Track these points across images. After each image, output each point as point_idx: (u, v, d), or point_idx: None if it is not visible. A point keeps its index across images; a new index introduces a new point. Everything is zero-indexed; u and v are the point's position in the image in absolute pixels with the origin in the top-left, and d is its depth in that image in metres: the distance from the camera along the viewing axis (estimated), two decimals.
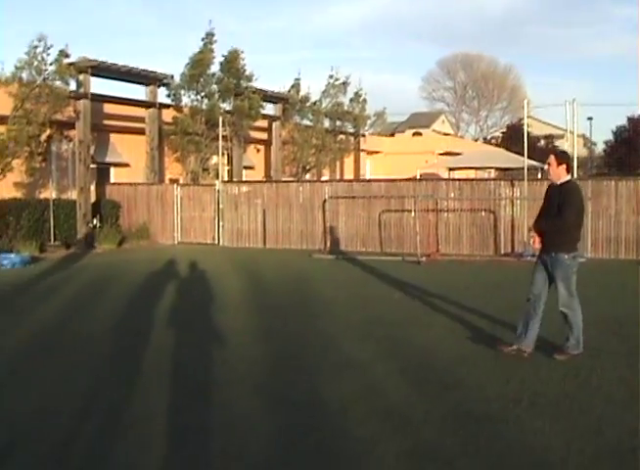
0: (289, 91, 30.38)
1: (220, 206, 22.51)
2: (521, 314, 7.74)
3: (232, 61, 25.82)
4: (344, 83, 33.20)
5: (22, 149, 18.57)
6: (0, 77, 18.94)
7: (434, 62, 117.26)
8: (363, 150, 38.14)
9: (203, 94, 25.44)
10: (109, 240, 21.60)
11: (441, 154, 41.08)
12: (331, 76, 32.68)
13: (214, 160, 25.52)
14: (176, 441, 5.32)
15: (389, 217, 20.20)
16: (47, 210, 20.08)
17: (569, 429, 5.42)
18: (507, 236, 18.91)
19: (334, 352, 8.02)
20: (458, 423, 5.60)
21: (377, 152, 41.06)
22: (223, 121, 24.46)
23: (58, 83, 19.61)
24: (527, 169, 20.09)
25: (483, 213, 19.09)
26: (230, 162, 27.27)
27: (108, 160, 24.53)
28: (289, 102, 29.82)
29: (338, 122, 33.90)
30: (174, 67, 60.73)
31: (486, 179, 24.54)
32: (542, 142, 53.15)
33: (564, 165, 7.51)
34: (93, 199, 22.43)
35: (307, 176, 31.41)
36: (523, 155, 21.13)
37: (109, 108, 23.19)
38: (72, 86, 20.65)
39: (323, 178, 31.34)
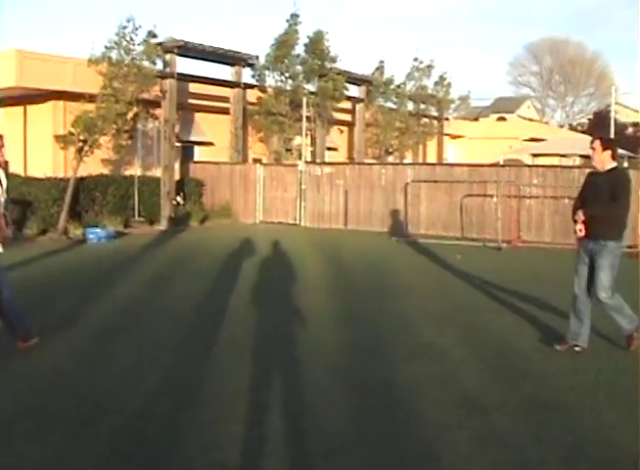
0: (373, 73, 29.86)
1: (302, 186, 22.16)
2: (572, 311, 7.27)
3: (316, 42, 25.32)
4: (429, 66, 32.53)
5: (109, 126, 18.54)
6: (90, 57, 19.00)
7: (521, 46, 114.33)
8: (446, 134, 37.24)
9: (287, 75, 25.00)
10: (192, 217, 21.55)
11: (525, 140, 39.97)
12: (415, 59, 32.06)
13: (297, 140, 25.17)
14: (252, 418, 5.28)
15: (471, 202, 19.47)
16: (132, 186, 20.06)
17: None
18: None
19: (411, 335, 7.88)
20: (532, 411, 5.46)
21: (460, 136, 40.11)
22: (307, 102, 24.07)
23: (145, 63, 19.48)
24: None
25: (567, 201, 18.18)
26: (313, 142, 26.92)
27: (192, 138, 24.47)
28: (373, 84, 29.20)
29: (421, 106, 33.18)
30: (259, 47, 60.86)
31: (570, 167, 23.52)
32: (630, 130, 51.17)
33: (609, 151, 7.05)
34: (177, 177, 22.39)
35: (390, 159, 30.86)
36: None
37: (194, 87, 23.02)
38: (159, 66, 20.52)
39: (405, 161, 30.74)
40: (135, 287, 10.84)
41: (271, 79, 25.09)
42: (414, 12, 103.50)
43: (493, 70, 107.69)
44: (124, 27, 19.10)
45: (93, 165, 19.39)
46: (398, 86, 30.93)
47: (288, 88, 24.90)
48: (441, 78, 33.74)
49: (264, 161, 25.08)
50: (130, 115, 19.52)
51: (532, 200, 18.77)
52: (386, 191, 21.01)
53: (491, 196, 18.89)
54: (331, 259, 14.55)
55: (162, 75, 20.63)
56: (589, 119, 57.15)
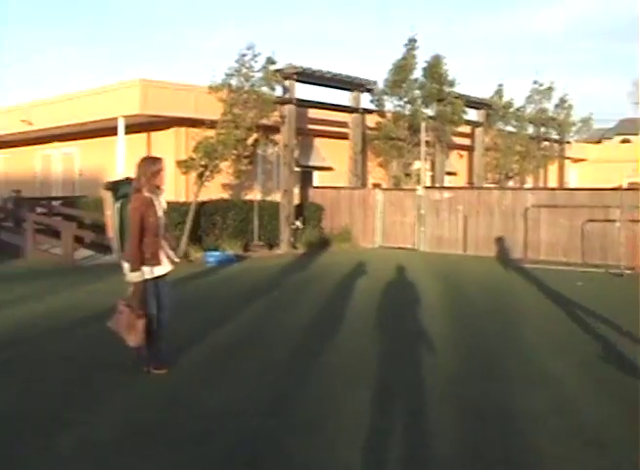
0: (492, 97, 28.86)
1: (421, 211, 21.37)
2: None
3: (435, 66, 24.46)
4: (549, 88, 31.21)
5: (229, 152, 18.41)
6: (211, 84, 18.99)
7: None
8: (568, 157, 35.64)
9: (405, 99, 24.30)
10: (311, 242, 21.06)
11: None
12: (535, 82, 30.76)
13: (417, 165, 24.43)
14: (363, 443, 4.95)
15: (593, 227, 18.04)
16: (252, 210, 19.69)
17: None
18: None
19: (528, 363, 7.45)
20: None
21: (582, 159, 38.43)
22: (426, 127, 23.30)
23: (264, 89, 19.40)
24: None
25: None
26: (432, 167, 26.11)
27: (311, 163, 24.05)
28: (492, 107, 28.12)
29: (542, 129, 31.83)
30: (377, 72, 60.66)
31: None
32: None
33: None
34: (297, 201, 22.00)
35: (510, 183, 29.65)
36: None
37: (313, 112, 22.68)
38: (278, 92, 20.29)
39: (526, 186, 29.51)
40: (257, 308, 10.79)
41: (390, 104, 24.47)
42: (533, 33, 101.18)
43: (616, 92, 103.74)
44: (244, 55, 19.04)
45: (214, 190, 19.23)
46: (518, 109, 29.71)
47: (406, 113, 24.18)
48: (562, 101, 32.26)
49: (383, 185, 24.48)
50: (250, 140, 19.36)
51: None
52: (505, 216, 19.92)
53: (614, 221, 17.58)
54: (450, 285, 13.86)
55: (282, 101, 20.29)
56: None
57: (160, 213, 6.78)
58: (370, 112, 24.10)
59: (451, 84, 24.89)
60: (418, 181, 23.14)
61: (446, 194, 21.39)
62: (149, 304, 6.65)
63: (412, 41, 24.23)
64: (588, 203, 18.41)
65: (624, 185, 26.65)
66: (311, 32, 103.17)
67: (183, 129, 20.31)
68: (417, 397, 6.14)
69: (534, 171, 31.65)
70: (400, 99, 24.37)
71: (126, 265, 6.67)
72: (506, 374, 6.94)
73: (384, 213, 22.22)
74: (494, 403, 5.95)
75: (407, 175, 24.58)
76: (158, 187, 6.76)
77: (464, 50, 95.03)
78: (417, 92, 24.51)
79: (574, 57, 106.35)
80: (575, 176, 37.80)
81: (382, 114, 24.34)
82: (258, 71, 19.21)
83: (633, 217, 17.28)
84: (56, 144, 24.88)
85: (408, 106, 24.34)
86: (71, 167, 24.78)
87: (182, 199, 19.25)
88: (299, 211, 21.65)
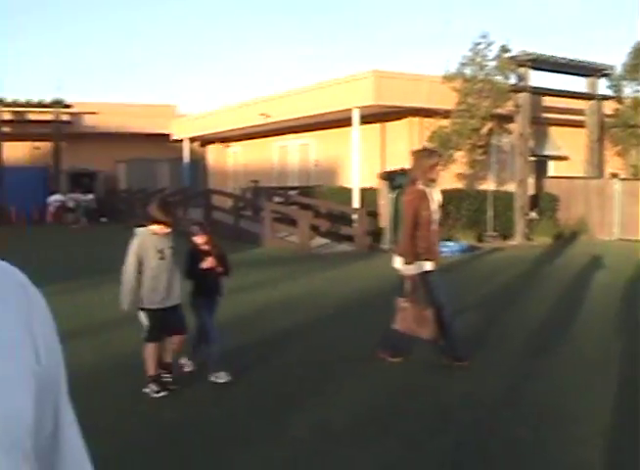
0: None
1: None
2: None
3: None
4: None
5: (464, 141, 18.01)
6: (445, 74, 18.63)
7: None
8: None
9: None
10: (545, 233, 19.98)
11: None
12: None
13: None
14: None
15: None
16: (485, 201, 18.96)
17: None
18: None
19: None
20: None
21: None
22: None
23: (498, 78, 18.76)
24: None
25: None
26: None
27: (547, 153, 22.80)
28: None
29: None
30: (615, 56, 56.98)
31: None
32: None
33: None
34: (531, 192, 21.04)
35: None
36: None
37: (547, 100, 21.55)
38: (512, 80, 19.47)
39: None
40: (483, 302, 10.23)
41: (629, 89, 22.83)
42: None
43: None
44: (478, 44, 18.53)
45: (448, 180, 18.80)
46: None
47: None
48: None
49: (622, 175, 22.92)
50: (484, 130, 18.79)
51: None
52: None
53: None
54: None
55: (516, 90, 19.38)
56: None
57: (434, 207, 6.55)
58: (607, 98, 22.58)
59: None
60: None
61: None
62: (435, 294, 6.42)
63: None
64: None
65: None
66: (544, 18, 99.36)
67: (417, 119, 19.92)
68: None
69: None
70: None
71: (398, 259, 6.48)
72: None
73: (622, 205, 20.74)
74: None
75: None
76: (432, 180, 6.56)
77: None
78: None
79: None
80: None
81: (620, 100, 22.74)
82: (492, 60, 18.60)
83: None
84: (292, 135, 25.42)
85: None
86: (307, 158, 25.19)
87: None
88: (534, 201, 20.64)
